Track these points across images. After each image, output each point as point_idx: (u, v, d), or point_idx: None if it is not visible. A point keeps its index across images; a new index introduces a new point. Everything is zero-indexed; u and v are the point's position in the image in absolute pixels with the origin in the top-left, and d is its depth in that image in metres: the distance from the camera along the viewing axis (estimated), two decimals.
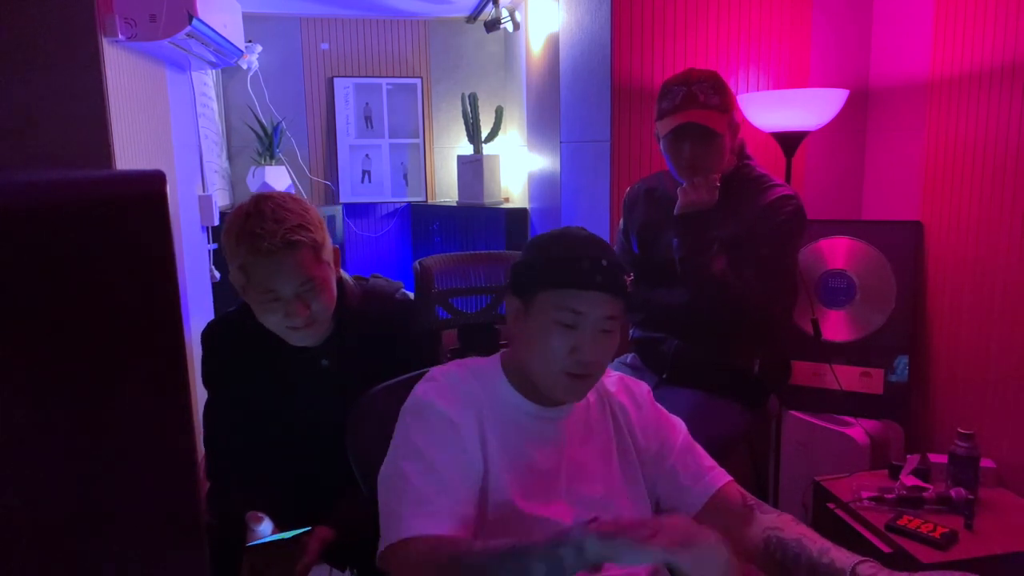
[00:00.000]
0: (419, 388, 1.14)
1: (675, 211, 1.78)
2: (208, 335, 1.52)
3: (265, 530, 1.29)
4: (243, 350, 1.47)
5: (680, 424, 1.25)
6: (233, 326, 1.50)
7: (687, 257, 1.76)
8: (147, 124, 2.25)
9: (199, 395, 1.56)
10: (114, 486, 0.50)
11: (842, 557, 1.02)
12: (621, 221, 2.08)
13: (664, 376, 1.92)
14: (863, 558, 1.01)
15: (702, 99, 1.77)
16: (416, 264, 1.42)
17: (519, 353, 1.15)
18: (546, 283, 1.09)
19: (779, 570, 1.09)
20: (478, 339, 1.44)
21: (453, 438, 1.07)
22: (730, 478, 1.21)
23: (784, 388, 2.18)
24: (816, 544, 1.06)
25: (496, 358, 1.20)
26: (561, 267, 1.08)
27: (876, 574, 0.98)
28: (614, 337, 1.11)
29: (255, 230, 1.28)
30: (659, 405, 1.26)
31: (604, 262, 1.08)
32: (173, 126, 2.61)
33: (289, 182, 3.58)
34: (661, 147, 1.87)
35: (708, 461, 1.22)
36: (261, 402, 1.48)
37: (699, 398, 1.83)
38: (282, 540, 1.28)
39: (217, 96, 3.57)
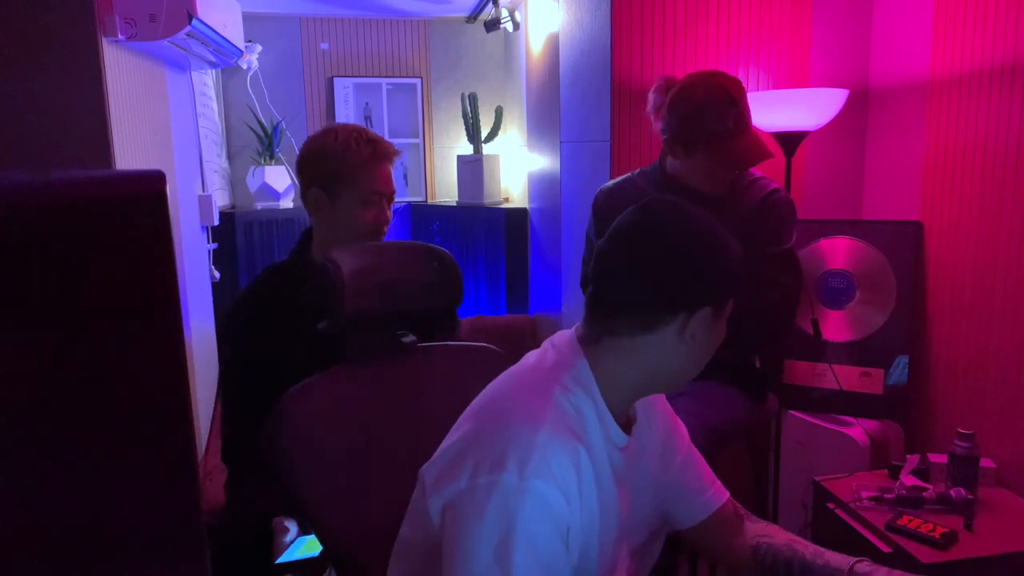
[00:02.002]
0: (530, 484, 0.88)
1: None
2: (241, 309, 1.54)
3: (292, 537, 1.28)
4: (277, 328, 1.47)
5: (683, 428, 1.22)
6: (269, 301, 1.52)
7: None
8: (147, 124, 2.25)
9: (198, 395, 1.56)
10: (113, 488, 0.50)
11: (838, 558, 1.03)
12: (590, 227, 2.03)
13: None
14: (859, 558, 1.02)
15: (750, 116, 1.77)
16: (324, 261, 1.31)
17: (674, 362, 1.02)
18: (735, 289, 1.03)
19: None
20: (379, 333, 1.36)
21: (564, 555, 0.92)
22: (728, 494, 1.19)
23: (779, 383, 2.19)
24: (809, 548, 1.07)
25: (587, 372, 1.02)
26: (739, 273, 1.03)
27: (873, 572, 0.98)
28: None
29: (376, 138, 1.53)
30: (663, 397, 1.22)
31: None
32: (173, 126, 2.61)
33: (289, 182, 3.58)
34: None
35: (708, 474, 1.19)
36: (288, 385, 1.47)
37: (702, 386, 1.82)
38: (312, 559, 1.26)
39: (217, 96, 3.57)
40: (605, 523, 1.00)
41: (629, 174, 2.03)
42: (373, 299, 1.32)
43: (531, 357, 1.09)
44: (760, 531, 1.13)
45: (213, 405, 2.88)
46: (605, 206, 1.99)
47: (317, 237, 1.58)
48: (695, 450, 1.20)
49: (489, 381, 1.08)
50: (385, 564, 1.05)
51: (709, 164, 1.79)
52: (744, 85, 1.80)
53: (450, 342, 1.46)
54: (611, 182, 2.04)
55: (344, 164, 1.51)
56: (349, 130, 1.54)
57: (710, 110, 1.73)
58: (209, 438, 2.74)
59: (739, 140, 1.75)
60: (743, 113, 1.75)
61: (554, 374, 1.02)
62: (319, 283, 1.27)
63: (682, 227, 0.99)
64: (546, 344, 1.09)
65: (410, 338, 1.36)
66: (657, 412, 1.17)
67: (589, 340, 1.03)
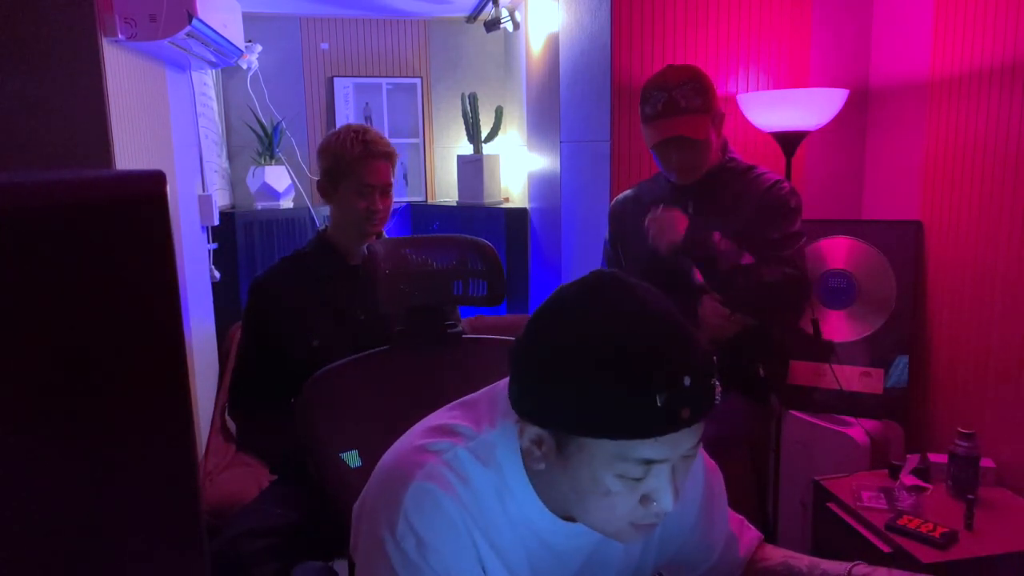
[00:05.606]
0: (404, 546, 0.79)
1: (663, 252, 1.76)
2: (259, 288, 1.76)
3: None
4: (291, 302, 1.70)
5: (712, 475, 1.05)
6: (281, 279, 1.75)
7: (721, 271, 1.74)
8: (147, 124, 2.25)
9: (198, 395, 1.56)
10: (112, 488, 0.50)
11: (834, 566, 1.01)
12: (607, 232, 2.08)
13: None
14: (855, 562, 1.01)
15: (683, 104, 1.74)
16: (364, 248, 1.40)
17: (555, 487, 0.81)
18: (595, 431, 0.72)
19: None
20: (425, 322, 1.40)
21: None
22: (757, 533, 1.11)
23: (783, 385, 2.18)
24: (803, 561, 1.05)
25: (507, 441, 0.83)
26: (620, 411, 0.70)
27: (871, 573, 0.98)
28: (696, 457, 0.82)
29: (371, 139, 1.74)
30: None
31: (687, 379, 0.69)
32: (173, 126, 2.61)
33: (289, 182, 3.58)
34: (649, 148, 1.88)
35: (735, 520, 1.08)
36: (296, 352, 1.65)
37: None
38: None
39: (217, 96, 3.57)
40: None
41: (643, 181, 2.08)
42: (419, 289, 1.38)
43: (472, 397, 0.93)
44: (758, 556, 1.10)
45: (213, 405, 2.88)
46: (617, 213, 2.06)
47: (331, 217, 1.86)
48: (715, 505, 1.04)
49: None
50: None
51: (651, 149, 1.84)
52: (712, 79, 1.83)
53: (495, 336, 1.48)
54: (627, 191, 2.08)
55: (341, 160, 1.74)
56: (349, 131, 1.75)
57: (644, 94, 1.82)
58: (209, 438, 2.74)
59: (660, 124, 1.76)
60: (674, 99, 1.74)
61: (463, 429, 0.86)
62: (366, 274, 1.33)
63: (567, 312, 0.78)
64: (498, 385, 0.89)
65: (456, 328, 1.39)
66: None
67: None
